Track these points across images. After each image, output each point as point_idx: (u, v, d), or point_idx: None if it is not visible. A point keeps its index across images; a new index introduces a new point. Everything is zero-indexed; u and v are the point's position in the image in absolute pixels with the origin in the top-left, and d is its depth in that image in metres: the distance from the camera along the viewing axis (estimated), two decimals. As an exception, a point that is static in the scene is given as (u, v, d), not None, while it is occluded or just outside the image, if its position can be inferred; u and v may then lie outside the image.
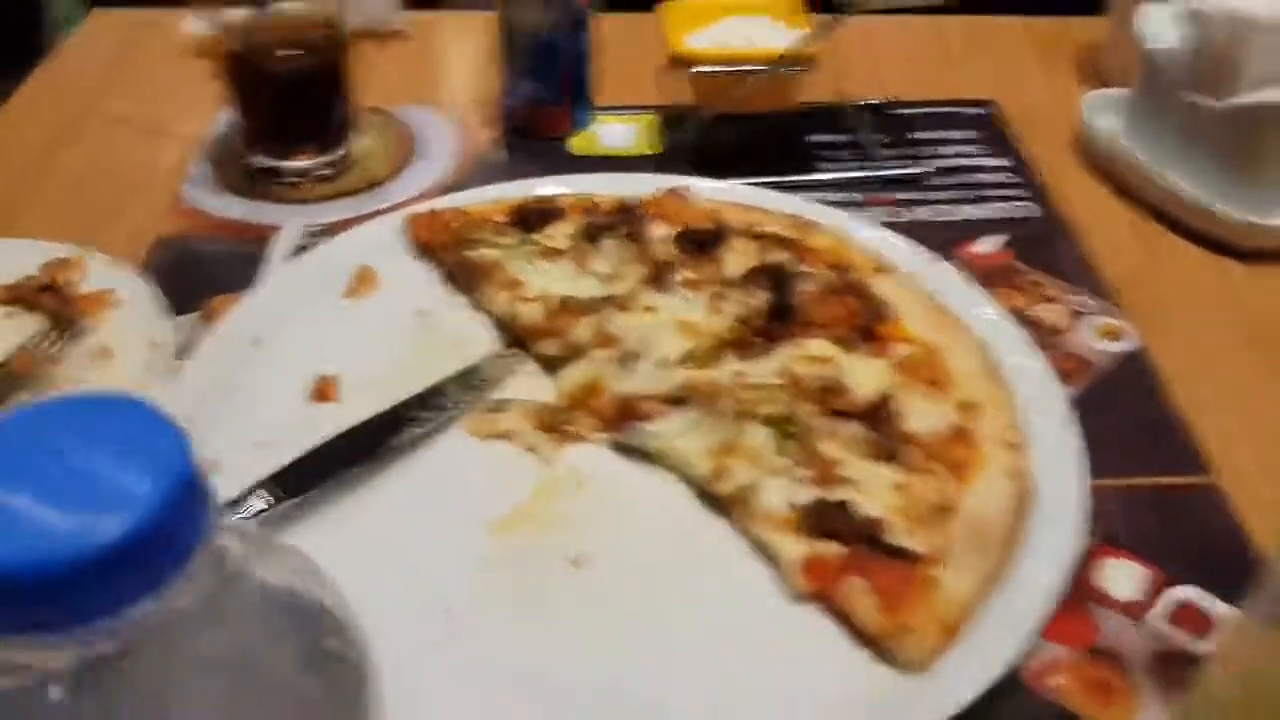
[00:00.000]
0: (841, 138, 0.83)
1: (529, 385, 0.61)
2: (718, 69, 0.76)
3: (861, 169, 0.79)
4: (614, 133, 0.84)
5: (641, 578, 0.52)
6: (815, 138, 0.83)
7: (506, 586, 0.51)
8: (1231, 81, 0.71)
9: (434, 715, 0.45)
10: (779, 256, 0.65)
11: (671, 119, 0.84)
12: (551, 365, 0.61)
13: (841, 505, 0.51)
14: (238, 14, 0.74)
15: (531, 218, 0.68)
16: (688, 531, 0.54)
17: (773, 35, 0.78)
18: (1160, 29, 0.76)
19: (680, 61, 0.76)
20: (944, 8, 0.80)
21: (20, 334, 0.63)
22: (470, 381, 0.60)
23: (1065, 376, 0.62)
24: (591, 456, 0.57)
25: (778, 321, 0.62)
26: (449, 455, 0.57)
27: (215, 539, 0.24)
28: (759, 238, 0.67)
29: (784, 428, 0.55)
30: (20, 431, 0.23)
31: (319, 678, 0.27)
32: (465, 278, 0.66)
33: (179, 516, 0.22)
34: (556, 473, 0.56)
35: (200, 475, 0.23)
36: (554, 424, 0.58)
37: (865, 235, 0.69)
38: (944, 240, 0.72)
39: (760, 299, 0.62)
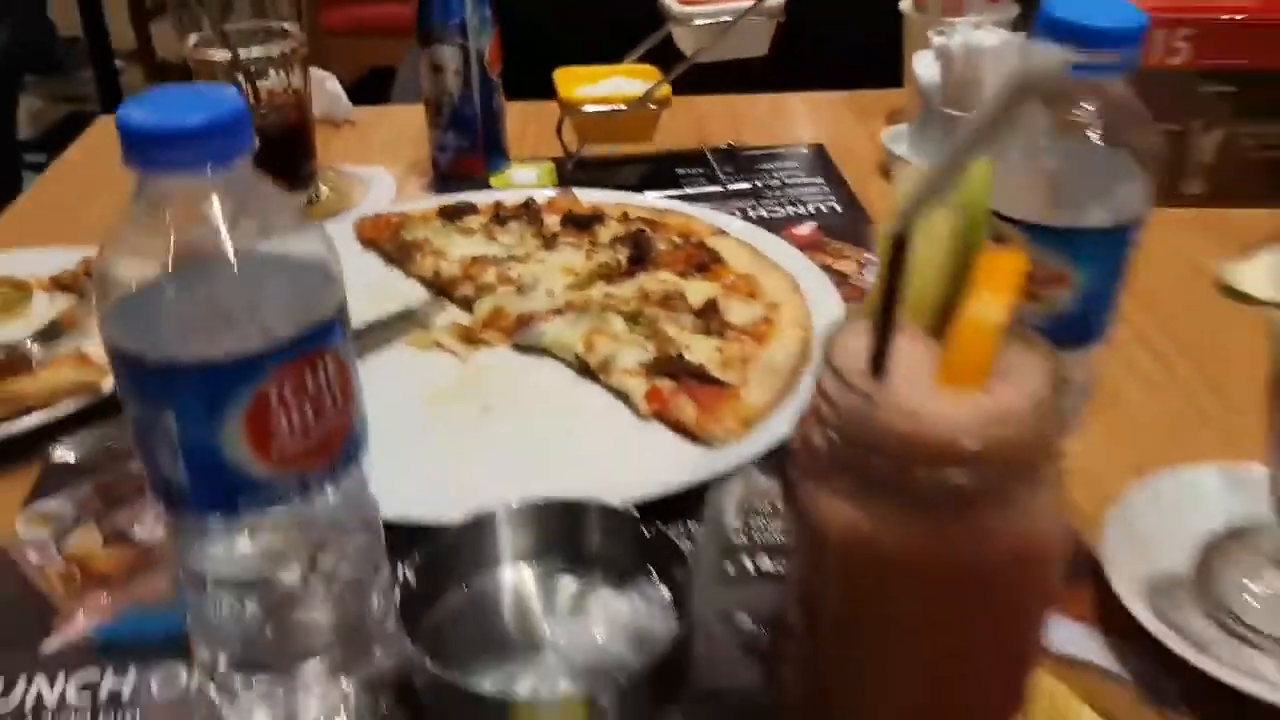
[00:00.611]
0: (699, 170, 1.07)
1: (453, 316, 0.82)
2: (594, 109, 0.99)
3: (713, 186, 1.03)
4: (523, 174, 1.07)
5: (534, 416, 0.72)
6: (680, 170, 1.07)
7: (436, 425, 0.71)
8: (973, 96, 0.96)
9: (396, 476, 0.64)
10: (640, 227, 0.88)
11: (563, 163, 1.07)
12: (468, 305, 0.82)
13: (678, 356, 0.72)
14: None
15: (452, 212, 0.91)
16: (567, 389, 0.75)
17: (640, 88, 1.03)
18: (926, 67, 1.01)
19: (567, 106, 1.00)
20: (760, 58, 1.04)
21: (65, 304, 0.83)
22: (406, 316, 0.81)
23: (850, 299, 0.83)
24: (499, 354, 0.78)
25: (637, 265, 0.83)
26: (396, 359, 0.78)
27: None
28: (626, 219, 0.90)
29: (636, 318, 0.76)
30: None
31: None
32: (400, 254, 0.87)
33: (242, 125, 0.42)
34: (472, 366, 0.77)
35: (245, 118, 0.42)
36: (471, 337, 0.79)
37: (708, 216, 0.92)
38: (772, 227, 0.94)
39: (623, 254, 0.84)
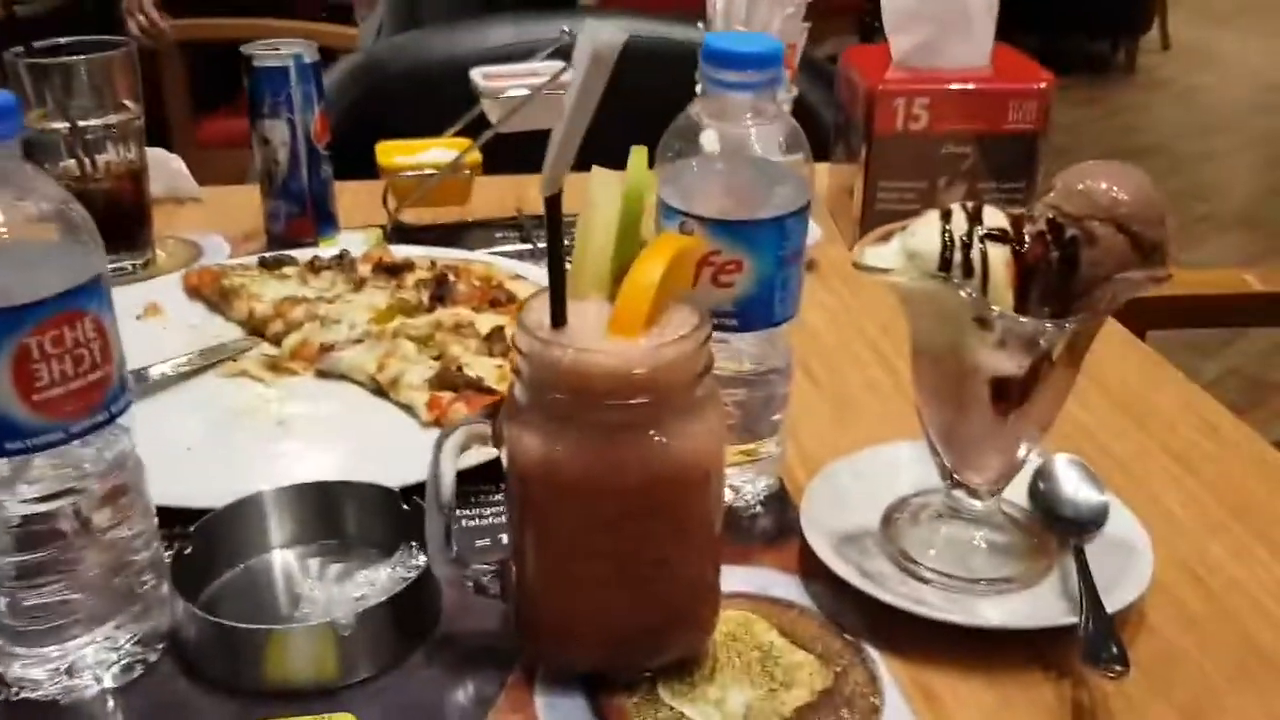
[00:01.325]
0: (514, 233, 1.17)
1: (264, 350, 0.89)
2: (410, 174, 1.09)
3: (525, 245, 1.12)
4: (352, 240, 1.16)
5: (326, 428, 0.79)
6: (498, 233, 1.17)
7: (233, 436, 0.78)
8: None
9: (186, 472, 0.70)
10: (444, 272, 0.97)
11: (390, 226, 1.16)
12: (278, 340, 0.90)
13: (458, 369, 0.80)
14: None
15: (270, 262, 0.99)
16: (360, 406, 0.82)
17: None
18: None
19: (385, 172, 1.10)
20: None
21: None
22: (215, 351, 0.88)
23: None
24: (303, 380, 0.86)
25: (438, 304, 0.92)
26: (206, 385, 0.85)
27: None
28: (433, 267, 0.99)
29: (427, 342, 0.84)
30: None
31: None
32: (221, 299, 0.95)
33: (9, 116, 0.49)
34: (276, 390, 0.84)
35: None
36: (278, 366, 0.86)
37: (509, 264, 1.01)
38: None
39: (425, 294, 0.93)
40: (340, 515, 0.67)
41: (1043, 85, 1.03)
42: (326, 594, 0.63)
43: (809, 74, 1.31)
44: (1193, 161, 4.31)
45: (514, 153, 1.13)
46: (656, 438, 0.53)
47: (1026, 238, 0.56)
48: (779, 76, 0.60)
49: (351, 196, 1.26)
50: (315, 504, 0.67)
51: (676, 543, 0.55)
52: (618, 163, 0.65)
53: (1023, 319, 0.54)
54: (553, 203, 0.51)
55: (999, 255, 0.56)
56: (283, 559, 0.66)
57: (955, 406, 0.60)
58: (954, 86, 1.04)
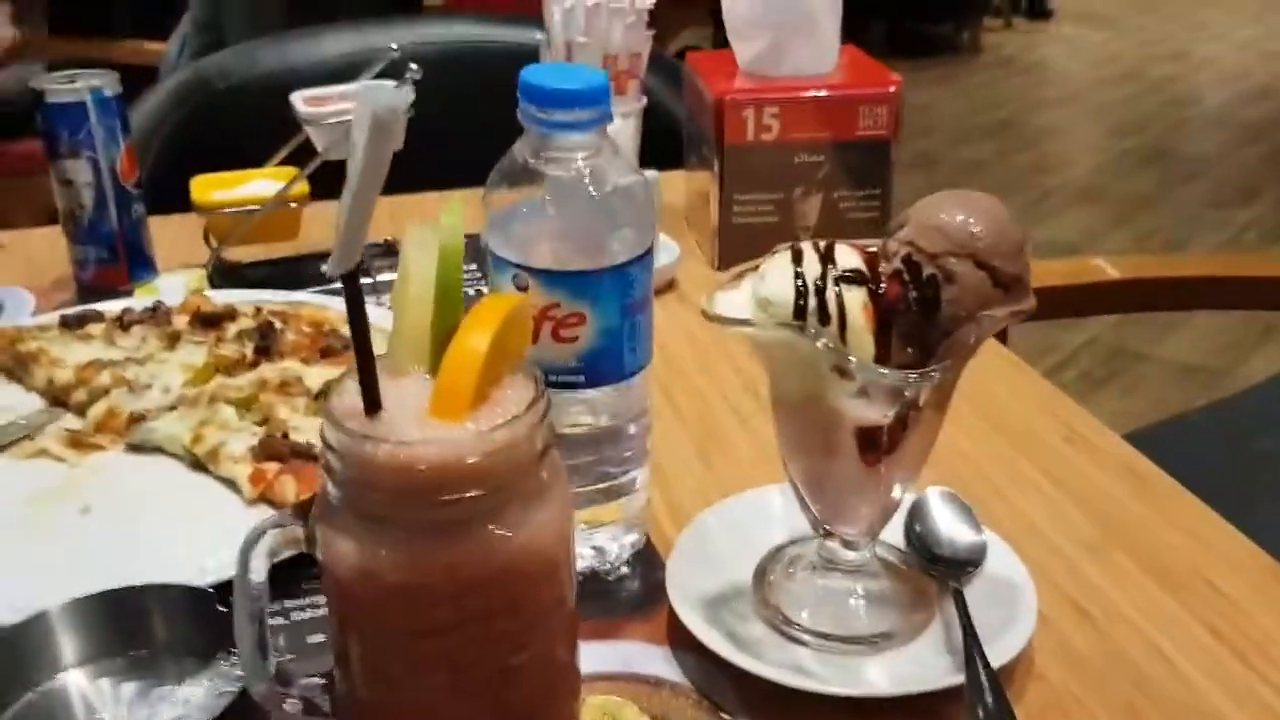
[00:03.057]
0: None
1: (67, 424, 0.80)
2: (229, 211, 1.00)
3: (364, 279, 1.05)
4: (172, 283, 1.06)
5: (138, 513, 0.71)
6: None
7: (28, 529, 0.69)
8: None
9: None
10: (269, 320, 0.89)
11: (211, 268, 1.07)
12: (83, 411, 0.80)
13: (283, 436, 0.73)
14: None
15: (72, 320, 0.89)
16: (178, 484, 0.74)
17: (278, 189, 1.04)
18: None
19: (202, 210, 1.01)
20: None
21: None
22: (9, 429, 0.78)
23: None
24: (111, 456, 0.77)
25: (263, 357, 0.84)
26: (-4, 470, 0.75)
27: None
28: (258, 314, 0.90)
29: (248, 405, 0.76)
30: None
31: None
32: (17, 365, 0.85)
33: None
34: (81, 469, 0.75)
35: None
36: (81, 442, 0.77)
37: (341, 306, 0.94)
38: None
39: (249, 346, 0.85)
40: (147, 623, 0.59)
41: (892, 89, 1.00)
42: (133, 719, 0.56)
43: (661, 73, 1.26)
44: (1040, 135, 4.43)
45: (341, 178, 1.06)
46: (496, 532, 0.46)
47: (883, 278, 0.52)
48: (607, 112, 0.55)
49: (175, 232, 1.16)
50: (115, 614, 0.58)
51: (524, 642, 0.49)
52: (477, 178, 0.58)
53: (884, 371, 0.50)
54: (350, 280, 0.45)
55: (855, 298, 0.51)
56: (79, 681, 0.58)
57: (821, 456, 0.55)
58: (804, 94, 1.01)
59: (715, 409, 0.84)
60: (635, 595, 0.64)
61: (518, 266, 0.56)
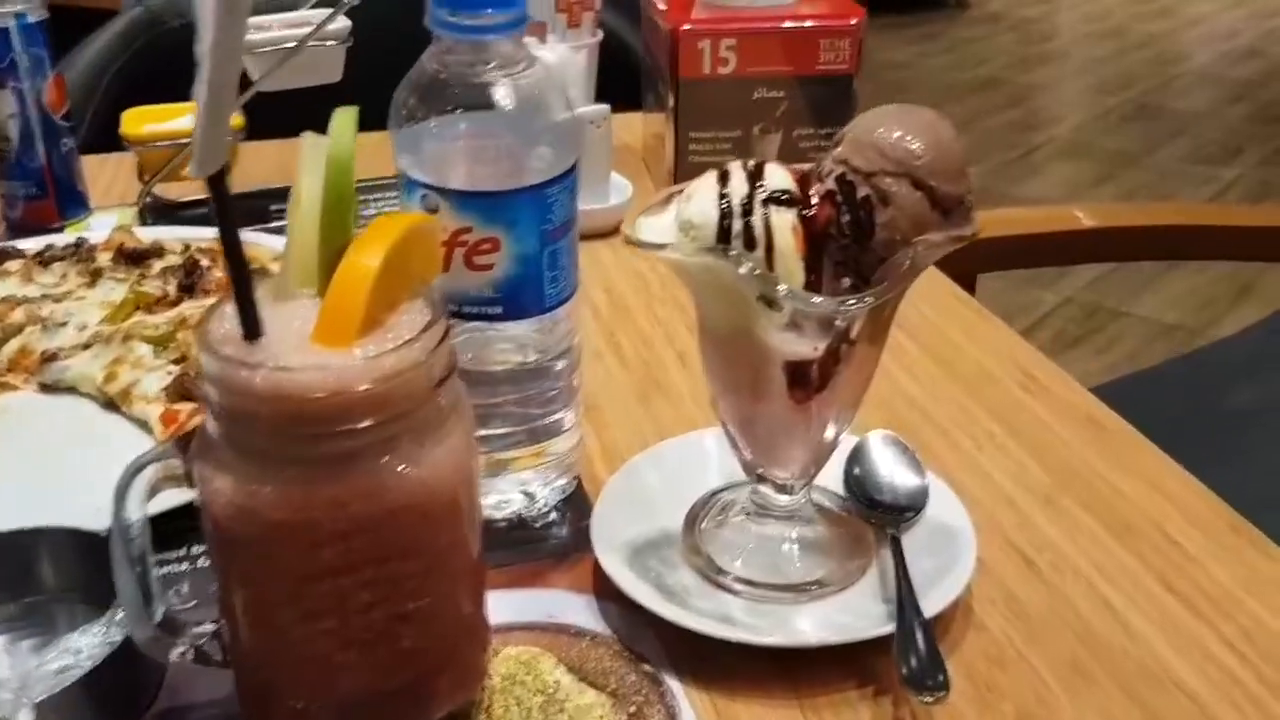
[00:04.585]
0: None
1: (-23, 364, 0.77)
2: (161, 144, 0.96)
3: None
4: (104, 221, 1.02)
5: (45, 455, 0.67)
6: (274, 206, 1.04)
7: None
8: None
9: None
10: (195, 257, 0.85)
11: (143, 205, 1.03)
12: (-3, 350, 0.77)
13: (196, 375, 0.69)
14: None
15: (-10, 256, 0.85)
16: (89, 425, 0.70)
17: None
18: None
19: (132, 143, 0.96)
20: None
21: None
22: (-78, 366, 0.75)
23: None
24: (22, 396, 0.73)
25: (186, 295, 0.80)
26: (-103, 411, 0.71)
27: None
28: (186, 251, 0.86)
29: (165, 343, 0.73)
30: None
31: None
32: (-70, 303, 0.81)
33: None
34: (-11, 412, 0.71)
35: None
36: (-9, 381, 0.73)
37: (276, 243, 0.90)
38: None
39: (172, 283, 0.81)
40: (37, 568, 0.55)
41: (854, 22, 0.96)
42: (20, 670, 0.52)
43: (618, 7, 1.22)
44: (1027, 92, 4.37)
45: (286, 113, 1.01)
46: (389, 465, 0.43)
47: (813, 200, 0.48)
48: (523, 15, 0.51)
49: (111, 171, 1.12)
50: (3, 557, 0.55)
51: (422, 588, 0.45)
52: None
53: (814, 298, 0.47)
54: (216, 183, 0.41)
55: (784, 221, 0.48)
56: (-34, 630, 0.55)
57: (750, 395, 0.52)
58: (763, 26, 0.96)
59: (659, 352, 0.80)
60: (563, 542, 0.61)
61: (427, 187, 0.52)
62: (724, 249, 0.47)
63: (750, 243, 0.47)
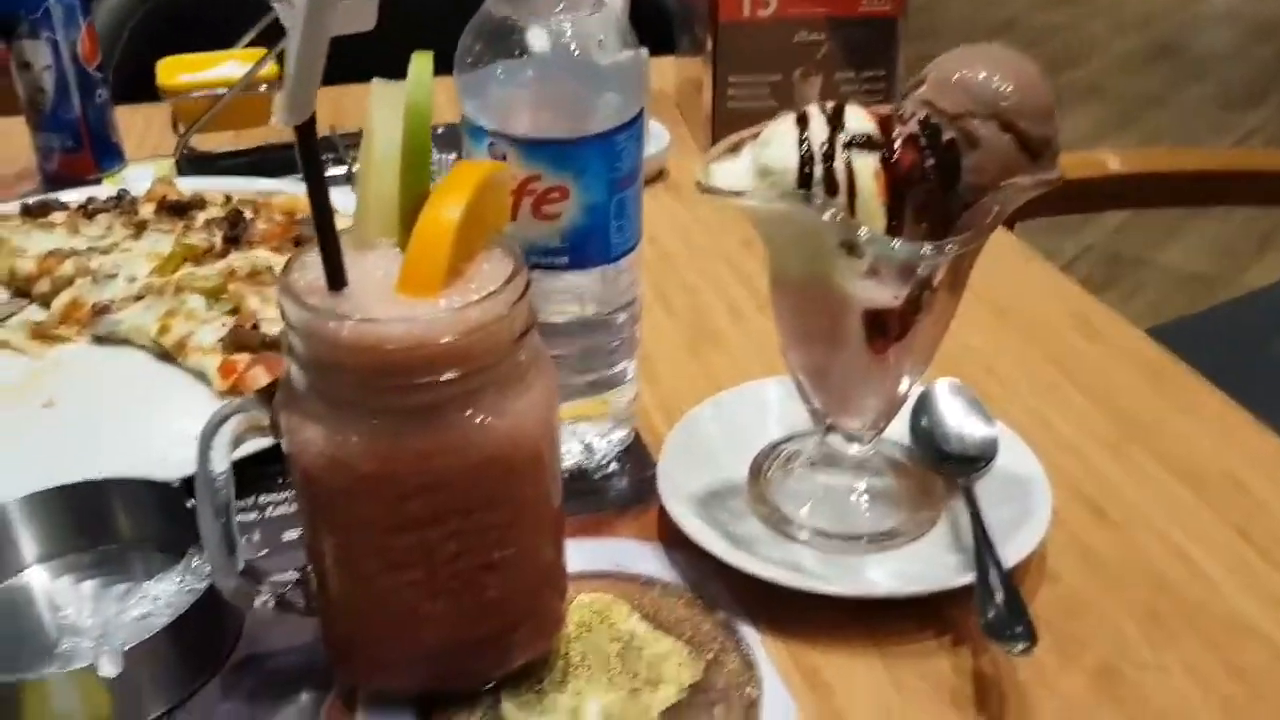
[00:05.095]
0: (328, 156, 1.04)
1: (31, 316, 0.76)
2: (197, 95, 0.95)
3: (340, 168, 1.00)
4: (141, 173, 1.01)
5: (103, 406, 0.67)
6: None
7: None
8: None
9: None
10: (239, 208, 0.84)
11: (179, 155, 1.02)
12: (48, 301, 0.76)
13: (255, 327, 0.69)
14: None
15: (34, 209, 0.84)
16: (145, 376, 0.70)
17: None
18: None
19: (168, 94, 0.95)
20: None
21: None
22: (-27, 320, 0.75)
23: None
24: (76, 349, 0.73)
25: (232, 246, 0.79)
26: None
27: None
28: (229, 203, 0.86)
29: (216, 294, 0.72)
30: None
31: None
32: (-26, 256, 0.80)
33: None
34: (45, 363, 0.71)
35: None
36: (45, 334, 0.73)
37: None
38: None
39: (218, 235, 0.80)
40: (112, 519, 0.56)
41: (900, -38, 0.94)
42: (101, 618, 0.52)
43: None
44: (1046, 33, 4.31)
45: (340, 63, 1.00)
46: (473, 418, 0.43)
47: (897, 143, 0.47)
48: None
49: (143, 122, 1.11)
50: (78, 509, 0.55)
51: (506, 538, 0.45)
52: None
53: (896, 244, 0.46)
54: (305, 132, 0.40)
55: (866, 166, 0.47)
56: (42, 580, 0.55)
57: (825, 345, 0.51)
58: (794, -32, 0.95)
59: (707, 303, 0.80)
60: (624, 493, 0.61)
61: (494, 135, 0.51)
62: (804, 195, 0.46)
63: (831, 188, 0.46)
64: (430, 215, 0.43)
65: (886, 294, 0.48)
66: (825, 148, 0.47)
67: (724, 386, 0.66)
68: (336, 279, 0.42)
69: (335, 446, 0.42)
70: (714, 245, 0.87)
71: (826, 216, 0.45)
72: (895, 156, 0.47)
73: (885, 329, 0.49)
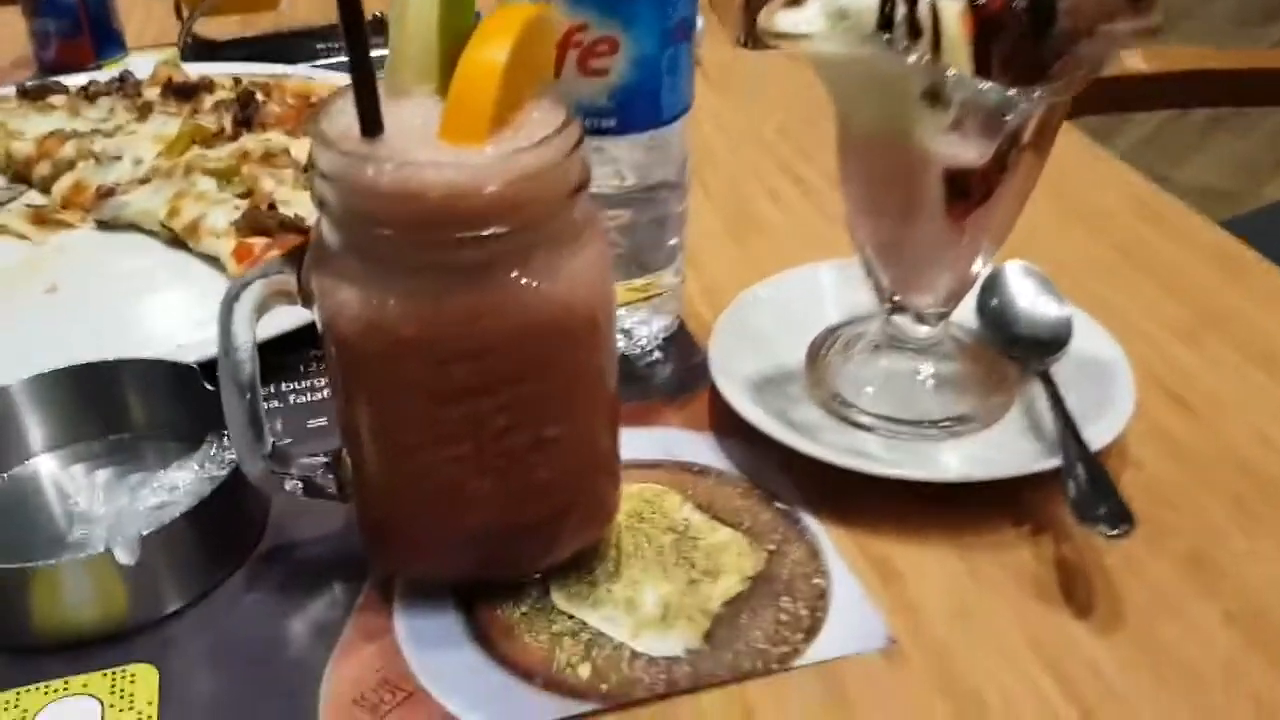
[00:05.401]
0: (340, 44, 0.98)
1: (31, 200, 0.72)
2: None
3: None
4: (142, 63, 0.96)
5: (109, 292, 0.63)
6: (320, 45, 0.98)
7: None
8: None
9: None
10: (250, 90, 0.79)
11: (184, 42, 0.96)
12: (47, 187, 0.72)
13: (271, 207, 0.64)
14: None
15: (32, 91, 0.80)
16: (154, 261, 0.66)
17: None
18: None
19: (170, -27, 0.90)
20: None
21: None
22: (-31, 205, 0.70)
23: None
24: (80, 234, 0.69)
25: (243, 129, 0.75)
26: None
27: None
28: (237, 85, 0.81)
29: (228, 176, 0.68)
30: None
31: None
32: (-31, 140, 0.76)
33: None
34: (46, 248, 0.67)
35: None
36: (45, 218, 0.69)
37: (333, 78, 0.84)
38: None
39: (227, 118, 0.76)
40: (124, 403, 0.52)
41: None
42: (114, 507, 0.49)
43: None
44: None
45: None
46: (522, 280, 0.39)
47: (986, -17, 0.43)
48: None
49: (143, 10, 1.06)
50: (89, 392, 0.51)
51: (558, 414, 0.41)
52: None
53: (992, 88, 0.41)
54: (340, -53, 0.36)
55: (952, 9, 0.42)
56: (51, 467, 0.51)
57: (899, 213, 0.47)
58: None
59: (746, 188, 0.76)
60: (670, 381, 0.57)
61: (541, -22, 0.47)
62: (886, 38, 0.42)
63: (914, 32, 0.42)
64: (474, 56, 0.38)
65: (971, 151, 0.44)
66: (909, -14, 0.42)
67: (769, 273, 0.62)
68: (372, 123, 0.38)
69: (373, 309, 0.38)
70: (750, 130, 0.82)
71: (911, 60, 0.41)
72: (985, -3, 0.42)
73: (967, 192, 0.45)
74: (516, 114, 0.40)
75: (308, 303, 0.41)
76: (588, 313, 0.41)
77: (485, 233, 0.37)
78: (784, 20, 0.45)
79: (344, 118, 0.39)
